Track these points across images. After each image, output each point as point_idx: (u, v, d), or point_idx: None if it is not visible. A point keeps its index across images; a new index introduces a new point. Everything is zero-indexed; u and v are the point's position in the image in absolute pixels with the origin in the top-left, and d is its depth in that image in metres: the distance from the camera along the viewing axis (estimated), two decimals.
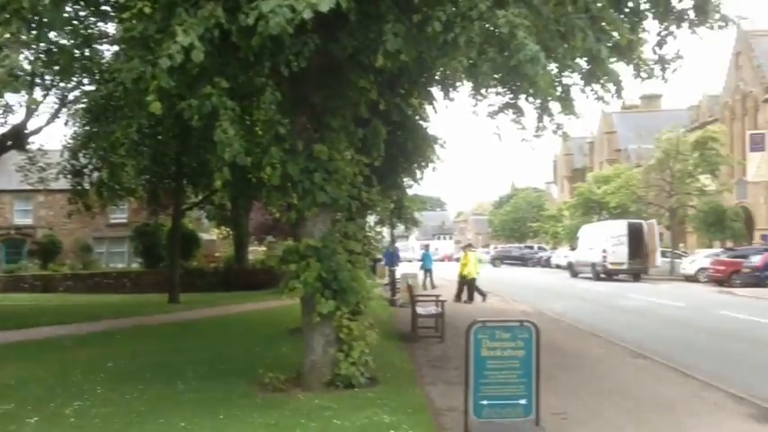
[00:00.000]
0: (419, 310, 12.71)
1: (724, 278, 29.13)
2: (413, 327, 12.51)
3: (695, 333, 13.86)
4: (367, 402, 7.13)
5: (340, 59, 7.75)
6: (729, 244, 36.79)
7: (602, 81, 8.66)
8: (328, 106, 8.14)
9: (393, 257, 22.91)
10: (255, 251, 35.15)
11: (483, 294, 20.73)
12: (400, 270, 24.10)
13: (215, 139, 6.81)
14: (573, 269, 37.79)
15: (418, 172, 12.66)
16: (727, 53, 43.45)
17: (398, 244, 30.04)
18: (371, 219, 13.86)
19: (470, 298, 20.17)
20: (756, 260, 28.29)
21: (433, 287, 24.92)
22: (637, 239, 33.09)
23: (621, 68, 8.93)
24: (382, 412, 6.66)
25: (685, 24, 9.21)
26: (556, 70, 8.89)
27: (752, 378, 9.09)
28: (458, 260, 28.14)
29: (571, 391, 8.07)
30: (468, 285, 20.35)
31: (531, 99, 9.67)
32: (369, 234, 10.67)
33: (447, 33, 6.44)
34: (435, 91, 10.94)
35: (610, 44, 7.93)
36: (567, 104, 8.55)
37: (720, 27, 9.24)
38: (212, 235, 39.30)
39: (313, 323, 7.93)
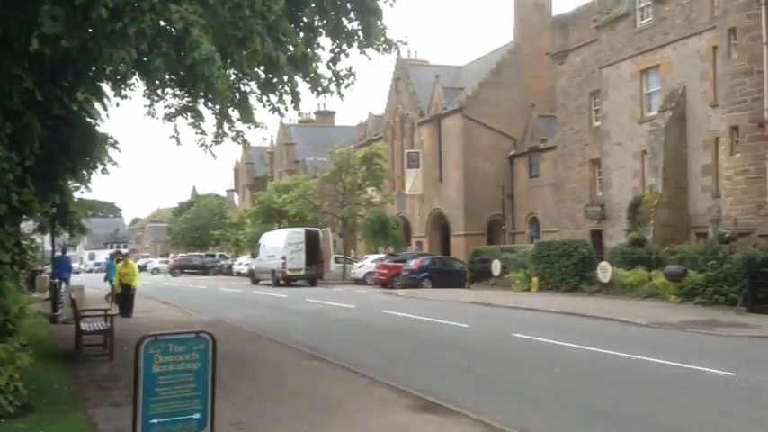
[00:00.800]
0: (84, 326, 11.56)
1: (387, 281, 32.17)
2: (77, 345, 11.32)
3: (364, 332, 14.96)
4: None
5: None
6: (391, 250, 40.78)
7: (279, 91, 8.82)
8: None
9: (63, 268, 20.58)
10: None
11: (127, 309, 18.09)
12: (72, 282, 21.69)
13: None
14: (254, 276, 38.28)
15: (86, 173, 11.53)
16: (389, 77, 48.68)
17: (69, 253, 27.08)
18: (28, 225, 12.24)
19: (127, 311, 18.17)
20: (413, 264, 31.82)
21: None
22: (313, 246, 34.78)
23: (298, 82, 9.23)
24: None
25: (355, 44, 9.87)
26: (234, 76, 8.83)
27: (410, 370, 10.06)
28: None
29: (249, 398, 8.02)
30: (127, 297, 18.41)
31: (209, 104, 9.45)
32: (23, 242, 9.32)
33: (115, 22, 5.92)
34: (107, 87, 10.12)
35: (286, 55, 8.11)
36: (246, 112, 8.54)
37: (385, 50, 10.08)
38: None
39: None
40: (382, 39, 9.82)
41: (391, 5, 9.92)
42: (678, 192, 25.36)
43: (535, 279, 25.23)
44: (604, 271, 22.27)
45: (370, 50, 9.92)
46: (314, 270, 34.86)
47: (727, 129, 20.89)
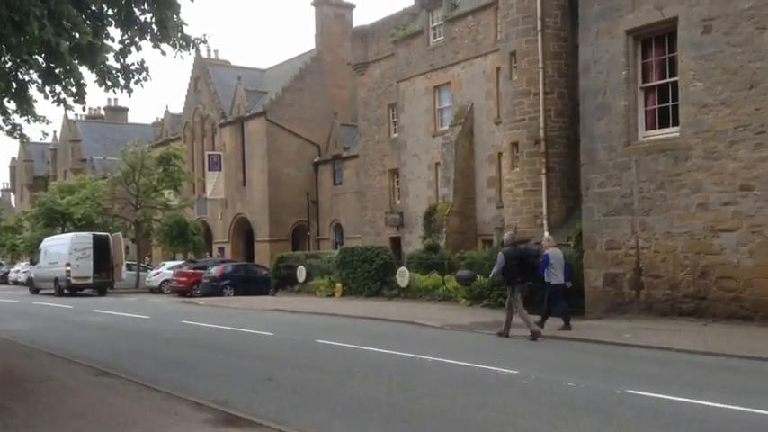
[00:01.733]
0: None
1: (186, 289, 30.88)
2: None
3: (160, 344, 14.15)
4: None
5: None
6: (191, 256, 39.23)
7: (63, 82, 8.06)
8: None
9: None
10: None
11: None
12: None
13: None
14: (33, 285, 34.88)
15: None
16: (188, 74, 46.85)
17: None
18: None
19: None
20: (215, 271, 30.86)
21: None
22: (102, 252, 32.39)
23: (85, 73, 8.51)
24: None
25: (149, 37, 9.32)
26: (10, 63, 7.92)
27: (210, 382, 9.67)
28: None
29: (26, 422, 7.19)
30: None
31: None
32: None
33: None
34: None
35: (70, 44, 7.43)
36: (25, 104, 7.69)
37: (182, 47, 9.62)
38: None
39: None
40: (179, 35, 9.37)
41: (191, 0, 9.52)
42: (467, 201, 27.25)
43: (339, 285, 25.66)
44: (403, 276, 23.25)
45: (165, 46, 9.42)
46: (103, 278, 32.50)
47: (508, 145, 22.83)
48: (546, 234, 16.21)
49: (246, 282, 30.46)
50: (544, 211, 21.78)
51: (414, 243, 29.22)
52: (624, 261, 15.34)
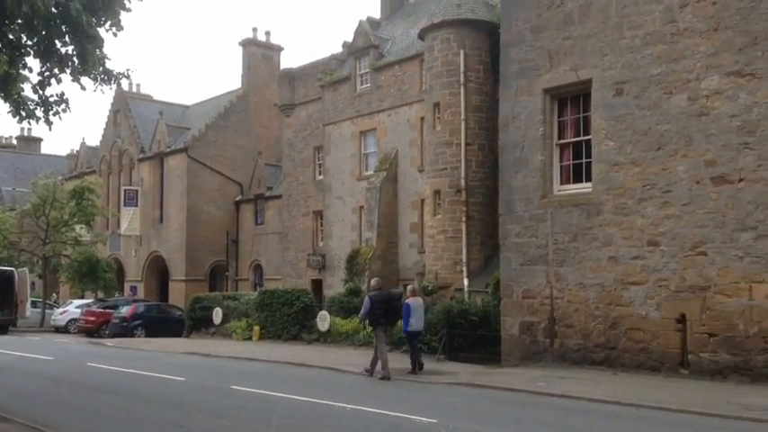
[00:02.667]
0: None
1: (95, 329, 29.56)
2: None
3: (64, 387, 13.42)
4: None
5: None
6: (100, 294, 37.63)
7: None
8: None
9: None
10: None
11: None
12: None
13: None
14: None
15: None
16: (107, 107, 45.51)
17: None
18: None
19: None
20: (125, 311, 29.68)
21: None
22: (6, 288, 30.52)
23: None
24: None
25: (69, 70, 9.11)
26: None
27: (116, 429, 9.22)
28: None
29: None
30: None
31: None
32: None
33: None
34: None
35: None
36: None
37: (104, 81, 9.44)
38: None
39: None
40: (101, 68, 9.21)
41: (115, 35, 9.36)
42: (390, 246, 27.45)
43: (256, 328, 25.10)
44: (323, 320, 23.02)
45: (85, 80, 9.23)
46: (6, 315, 30.60)
47: (431, 192, 23.28)
48: (410, 285, 16.91)
49: (159, 323, 29.40)
50: (464, 258, 22.20)
51: (335, 286, 29.08)
52: (539, 310, 15.75)
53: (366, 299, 15.18)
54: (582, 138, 15.51)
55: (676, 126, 13.67)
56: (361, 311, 15.29)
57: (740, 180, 12.81)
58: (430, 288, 21.83)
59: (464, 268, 22.16)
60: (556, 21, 15.70)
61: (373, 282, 16.37)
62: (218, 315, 27.76)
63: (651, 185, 14.00)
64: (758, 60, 12.61)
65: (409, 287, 16.30)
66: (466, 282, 22.03)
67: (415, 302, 15.35)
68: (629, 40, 14.39)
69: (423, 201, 25.43)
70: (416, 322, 15.24)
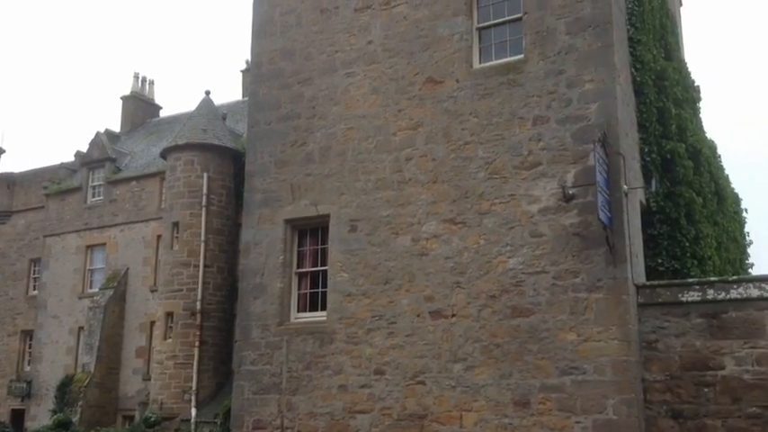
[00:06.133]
0: None
1: None
2: None
3: None
4: None
5: None
6: None
7: None
8: None
9: None
10: None
11: None
12: None
13: None
14: None
15: None
16: None
17: None
18: None
19: None
20: None
21: None
22: None
23: None
24: None
25: None
26: None
27: None
28: None
29: None
30: None
31: None
32: None
33: None
34: None
35: None
36: None
37: None
38: None
39: None
40: None
41: None
42: (110, 372, 25.25)
43: None
44: None
45: None
46: None
47: (163, 314, 22.26)
48: None
49: None
50: (194, 386, 21.23)
51: (41, 418, 25.62)
52: None
53: None
54: (319, 268, 16.25)
55: (401, 263, 15.02)
56: None
57: (453, 315, 14.31)
58: (153, 420, 20.35)
59: (193, 397, 21.13)
60: (299, 158, 16.70)
61: None
62: None
63: (379, 316, 15.01)
64: (468, 211, 14.58)
65: None
66: (194, 412, 20.94)
67: None
68: (363, 183, 15.79)
69: (153, 323, 24.10)
70: None
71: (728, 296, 12.70)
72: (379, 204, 15.50)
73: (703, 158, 17.51)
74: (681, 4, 22.22)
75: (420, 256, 14.87)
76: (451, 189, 14.82)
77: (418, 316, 14.63)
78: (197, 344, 21.48)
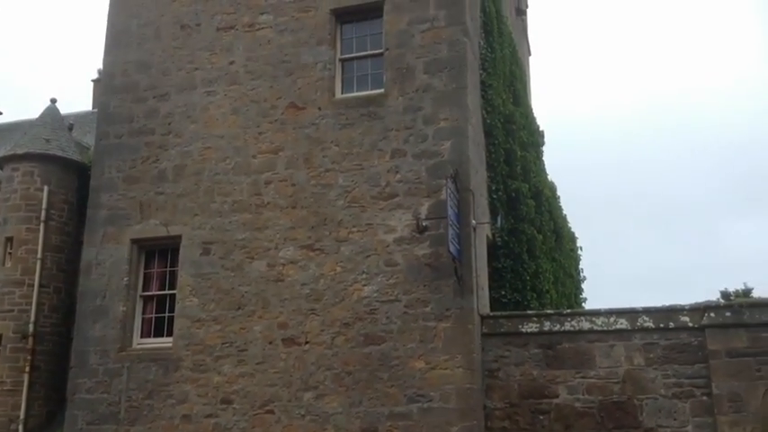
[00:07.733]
0: None
1: None
2: None
3: None
4: None
5: None
6: None
7: None
8: None
9: None
10: None
11: None
12: None
13: None
14: None
15: None
16: None
17: None
18: None
19: None
20: None
21: None
22: None
23: None
24: None
25: None
26: None
27: None
28: None
29: None
30: None
31: None
32: None
33: None
34: None
35: None
36: None
37: None
38: None
39: None
40: None
41: None
42: None
43: None
44: None
45: None
46: None
47: None
48: None
49: None
50: (22, 415, 19.39)
51: None
52: None
53: None
54: (167, 291, 15.59)
55: (256, 288, 14.75)
56: None
57: (306, 342, 14.23)
58: None
59: (20, 427, 19.31)
60: (150, 175, 16.02)
61: None
62: None
63: (230, 343, 14.60)
64: (326, 238, 14.63)
65: None
66: None
67: None
68: (219, 204, 15.41)
69: None
70: None
71: (563, 328, 13.62)
72: (234, 227, 15.18)
73: (544, 198, 18.80)
74: (530, 54, 23.91)
75: (276, 281, 14.69)
76: (310, 215, 14.83)
77: (270, 343, 14.40)
78: (28, 369, 19.68)
